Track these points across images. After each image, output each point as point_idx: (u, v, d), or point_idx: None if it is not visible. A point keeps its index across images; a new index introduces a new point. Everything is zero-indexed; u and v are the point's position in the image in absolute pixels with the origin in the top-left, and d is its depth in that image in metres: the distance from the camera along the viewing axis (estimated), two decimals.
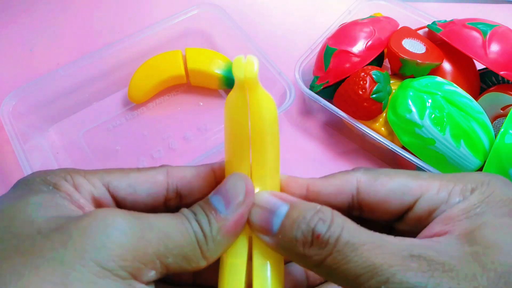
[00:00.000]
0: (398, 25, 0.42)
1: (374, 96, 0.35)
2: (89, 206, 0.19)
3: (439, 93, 0.34)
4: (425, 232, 0.18)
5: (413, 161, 0.35)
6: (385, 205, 0.19)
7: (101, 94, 0.45)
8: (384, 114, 0.37)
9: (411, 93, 0.35)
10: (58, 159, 0.41)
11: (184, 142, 0.42)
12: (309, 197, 0.20)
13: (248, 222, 0.19)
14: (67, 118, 0.44)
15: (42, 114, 0.42)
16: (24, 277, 0.14)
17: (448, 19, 0.41)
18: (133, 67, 0.44)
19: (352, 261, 0.16)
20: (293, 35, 0.51)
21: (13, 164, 0.41)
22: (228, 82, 0.43)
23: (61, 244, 0.15)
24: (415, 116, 0.34)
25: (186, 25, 0.46)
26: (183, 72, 0.43)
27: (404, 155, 0.35)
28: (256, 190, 0.20)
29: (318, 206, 0.17)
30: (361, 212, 0.20)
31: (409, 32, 0.39)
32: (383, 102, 0.36)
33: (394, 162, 0.41)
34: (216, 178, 0.21)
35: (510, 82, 0.36)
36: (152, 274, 0.16)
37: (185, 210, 0.18)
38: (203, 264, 0.18)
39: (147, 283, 0.17)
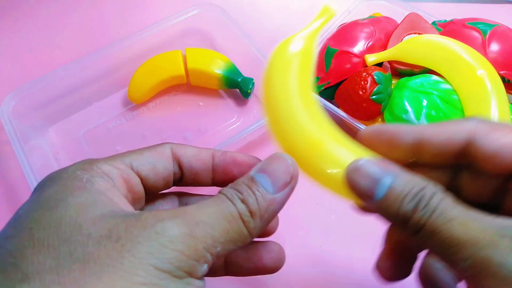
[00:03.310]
0: (398, 25, 0.42)
1: (374, 97, 0.35)
2: (123, 192, 0.19)
3: (435, 92, 0.34)
4: None
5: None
6: (495, 160, 0.18)
7: (101, 94, 0.45)
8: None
9: (406, 93, 0.35)
10: (58, 159, 0.41)
11: (184, 142, 0.42)
12: (418, 145, 0.19)
13: (350, 184, 0.19)
14: (67, 118, 0.44)
15: (42, 114, 0.42)
16: (88, 285, 0.15)
17: (448, 19, 0.41)
18: (133, 67, 0.44)
19: (443, 232, 0.16)
20: None
21: (13, 164, 0.41)
22: (228, 82, 0.43)
23: (116, 251, 0.15)
24: (412, 116, 0.34)
25: (186, 25, 0.46)
26: (183, 72, 0.43)
27: None
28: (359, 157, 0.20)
29: (421, 184, 0.17)
30: (471, 162, 0.19)
31: (412, 26, 0.39)
32: (382, 103, 0.36)
33: None
34: (214, 164, 0.22)
35: (510, 81, 0.36)
36: (205, 268, 0.17)
37: (227, 190, 0.19)
38: (249, 241, 0.18)
39: (201, 277, 0.17)
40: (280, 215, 0.38)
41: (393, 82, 0.38)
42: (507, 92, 0.36)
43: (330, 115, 0.40)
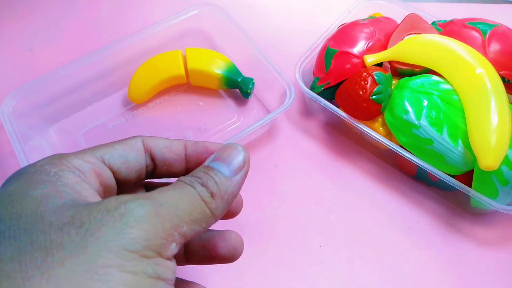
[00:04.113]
0: (397, 26, 0.42)
1: (374, 97, 0.35)
2: (94, 186, 0.19)
3: (435, 92, 0.34)
4: None
5: (413, 160, 0.35)
6: None
7: (101, 94, 0.45)
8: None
9: (407, 94, 0.35)
10: None
11: None
12: None
13: None
14: (67, 118, 0.44)
15: (42, 114, 0.42)
16: (50, 270, 0.14)
17: (448, 19, 0.41)
18: (133, 67, 0.44)
19: None
20: (293, 35, 0.51)
21: (13, 164, 0.41)
22: (228, 82, 0.43)
23: (80, 236, 0.15)
24: (412, 117, 0.34)
25: (186, 25, 0.46)
26: (183, 72, 0.43)
27: (404, 155, 0.35)
28: None
29: None
30: None
31: (412, 26, 0.39)
32: (382, 104, 0.36)
33: (394, 161, 0.41)
34: (187, 154, 0.22)
35: (510, 81, 0.36)
36: (173, 247, 0.17)
37: (185, 178, 0.19)
38: (213, 222, 0.19)
39: (170, 258, 0.17)
40: (280, 214, 0.39)
41: (393, 82, 0.38)
42: (507, 92, 0.36)
43: (330, 115, 0.40)
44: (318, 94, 0.39)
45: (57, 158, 0.19)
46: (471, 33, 0.37)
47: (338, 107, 0.39)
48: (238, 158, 0.20)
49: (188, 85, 0.46)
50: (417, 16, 0.40)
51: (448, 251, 0.36)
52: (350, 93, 0.36)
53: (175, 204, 0.17)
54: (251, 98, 0.45)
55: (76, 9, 0.53)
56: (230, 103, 0.45)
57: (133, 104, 0.44)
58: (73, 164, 0.19)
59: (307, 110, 0.45)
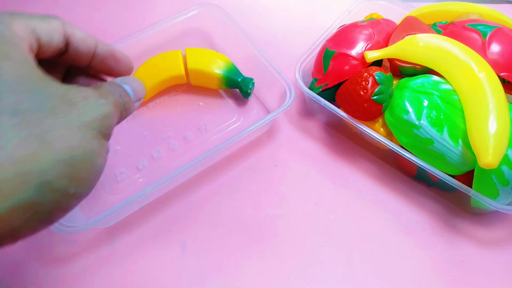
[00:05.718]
0: (396, 27, 0.42)
1: (375, 97, 0.35)
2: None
3: (436, 93, 0.34)
4: None
5: (413, 160, 0.35)
6: None
7: None
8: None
9: (407, 94, 0.35)
10: None
11: (184, 142, 0.42)
12: None
13: None
14: None
15: None
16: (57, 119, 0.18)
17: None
18: None
19: None
20: (293, 35, 0.51)
21: None
22: (228, 82, 0.43)
23: (68, 108, 0.19)
24: (412, 117, 0.34)
25: (186, 25, 0.46)
26: (183, 72, 0.43)
27: (404, 155, 0.35)
28: None
29: None
30: None
31: (411, 26, 0.39)
32: (383, 104, 0.36)
33: (394, 162, 0.41)
34: (95, 52, 0.25)
35: (510, 82, 0.36)
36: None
37: (112, 89, 0.23)
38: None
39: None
40: (280, 214, 0.39)
41: (393, 82, 0.38)
42: (506, 92, 0.36)
43: (330, 115, 0.40)
44: (317, 95, 0.39)
45: (5, 24, 0.20)
46: (471, 35, 0.37)
47: (338, 107, 0.39)
48: (141, 91, 0.26)
49: (188, 85, 0.46)
50: (415, 18, 0.40)
51: (448, 251, 0.36)
52: (351, 93, 0.36)
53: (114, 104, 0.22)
54: (251, 98, 0.45)
55: (76, 9, 0.53)
56: (230, 103, 0.45)
57: None
58: (17, 31, 0.20)
59: (307, 110, 0.45)
